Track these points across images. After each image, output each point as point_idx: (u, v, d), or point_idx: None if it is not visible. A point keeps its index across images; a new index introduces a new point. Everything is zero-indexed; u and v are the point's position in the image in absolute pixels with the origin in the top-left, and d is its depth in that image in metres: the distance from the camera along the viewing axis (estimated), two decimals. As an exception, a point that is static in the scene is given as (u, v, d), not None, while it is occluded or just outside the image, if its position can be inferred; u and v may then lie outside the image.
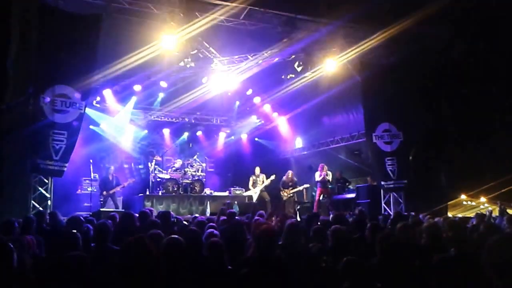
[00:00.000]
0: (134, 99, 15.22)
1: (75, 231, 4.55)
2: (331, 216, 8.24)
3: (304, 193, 16.78)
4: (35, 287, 3.53)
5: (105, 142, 15.56)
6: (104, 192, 12.80)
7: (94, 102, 14.37)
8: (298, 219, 11.41)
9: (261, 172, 14.99)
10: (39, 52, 9.21)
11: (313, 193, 16.87)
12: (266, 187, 14.70)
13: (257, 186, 14.72)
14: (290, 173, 14.71)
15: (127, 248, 3.91)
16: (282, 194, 14.38)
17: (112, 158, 15.57)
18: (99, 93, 14.20)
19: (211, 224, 5.99)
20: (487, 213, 9.43)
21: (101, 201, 12.76)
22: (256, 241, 4.35)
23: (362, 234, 5.75)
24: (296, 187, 14.49)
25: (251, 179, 14.91)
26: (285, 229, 4.97)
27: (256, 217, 7.57)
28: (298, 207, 14.51)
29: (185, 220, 7.66)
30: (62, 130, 9.28)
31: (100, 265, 4.06)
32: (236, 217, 7.55)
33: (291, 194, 14.35)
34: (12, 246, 3.35)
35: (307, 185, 15.08)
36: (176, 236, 4.13)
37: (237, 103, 17.09)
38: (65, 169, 9.37)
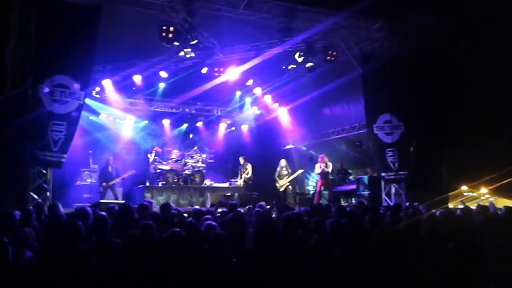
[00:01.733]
0: (134, 89, 15.13)
1: (79, 222, 4.46)
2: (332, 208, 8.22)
3: (305, 185, 16.76)
4: (32, 281, 3.50)
5: (105, 133, 15.48)
6: (104, 184, 12.68)
7: (94, 92, 14.26)
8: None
9: (255, 162, 14.93)
10: (38, 42, 9.10)
11: (305, 180, 16.86)
12: (249, 178, 14.68)
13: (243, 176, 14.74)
14: (282, 161, 14.53)
15: (132, 241, 3.87)
16: (277, 185, 14.30)
17: (112, 149, 15.50)
18: (98, 84, 14.11)
19: (207, 216, 5.95)
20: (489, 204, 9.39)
21: (101, 192, 12.68)
22: (256, 234, 4.34)
23: (360, 225, 5.73)
24: (291, 176, 14.33)
25: (240, 170, 14.96)
26: (281, 221, 4.96)
27: (257, 209, 7.56)
28: (297, 197, 14.46)
29: (185, 212, 7.62)
30: (61, 121, 9.21)
31: (99, 258, 4.04)
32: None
33: (287, 183, 14.24)
34: (6, 240, 3.31)
35: (301, 170, 15.00)
36: (178, 229, 4.10)
37: (238, 93, 17.00)
38: (64, 160, 9.31)
